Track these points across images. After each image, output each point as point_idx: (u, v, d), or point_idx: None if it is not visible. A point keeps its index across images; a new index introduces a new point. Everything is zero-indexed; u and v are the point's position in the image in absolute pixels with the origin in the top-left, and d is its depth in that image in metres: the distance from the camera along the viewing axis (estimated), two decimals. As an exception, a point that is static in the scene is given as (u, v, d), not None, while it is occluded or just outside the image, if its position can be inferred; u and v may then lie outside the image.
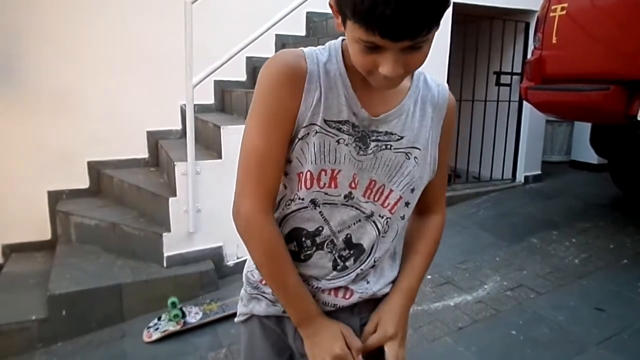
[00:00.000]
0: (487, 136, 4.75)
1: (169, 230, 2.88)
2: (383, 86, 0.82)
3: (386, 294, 1.01)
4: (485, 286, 2.76)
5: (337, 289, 0.96)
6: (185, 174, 2.85)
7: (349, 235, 0.93)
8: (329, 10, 0.81)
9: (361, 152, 0.88)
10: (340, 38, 0.89)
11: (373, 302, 1.00)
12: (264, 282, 0.99)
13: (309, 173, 0.87)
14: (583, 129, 5.00)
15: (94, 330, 2.59)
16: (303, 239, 0.93)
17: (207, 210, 2.93)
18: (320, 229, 0.92)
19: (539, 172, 4.93)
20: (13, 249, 3.32)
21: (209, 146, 3.24)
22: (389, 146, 0.90)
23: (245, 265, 1.06)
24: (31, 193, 3.37)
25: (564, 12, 3.16)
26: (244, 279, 1.06)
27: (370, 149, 0.89)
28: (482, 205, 4.21)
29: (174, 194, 2.89)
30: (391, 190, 0.91)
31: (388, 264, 1.01)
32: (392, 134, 0.90)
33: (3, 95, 3.21)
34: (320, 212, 0.91)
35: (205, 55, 2.86)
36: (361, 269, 0.95)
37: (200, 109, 3.67)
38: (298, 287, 0.91)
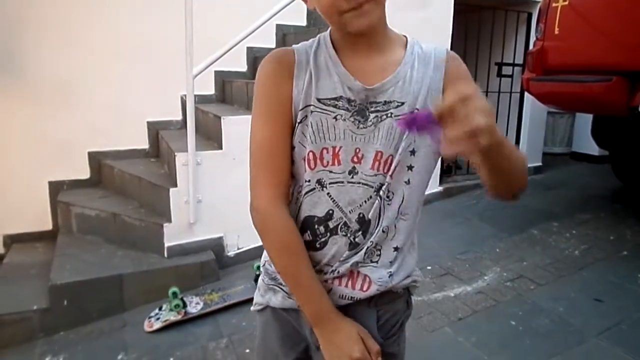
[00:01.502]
0: (488, 127, 4.74)
1: (169, 220, 2.88)
2: (356, 23, 0.82)
3: (405, 287, 1.00)
4: (485, 277, 2.77)
5: (353, 277, 0.94)
6: (185, 165, 2.85)
7: (361, 215, 0.91)
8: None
9: (361, 126, 0.89)
10: (329, 29, 0.94)
11: (390, 295, 0.98)
12: None
13: (311, 153, 0.89)
14: (584, 121, 4.99)
15: (95, 320, 2.60)
16: (316, 226, 0.93)
17: (207, 201, 2.93)
18: (331, 212, 0.91)
19: (540, 163, 4.93)
20: (14, 240, 3.32)
21: (210, 137, 3.23)
22: (389, 114, 0.89)
23: (263, 255, 1.05)
24: (32, 183, 3.37)
25: (567, 3, 3.14)
26: (261, 269, 1.05)
27: (370, 121, 0.89)
28: (482, 196, 4.21)
29: (175, 185, 2.89)
30: (395, 157, 0.90)
31: (409, 255, 0.99)
32: (390, 102, 0.89)
33: (4, 86, 3.20)
34: (327, 193, 0.91)
35: (205, 46, 2.85)
36: (371, 241, 0.92)
37: (200, 99, 3.66)
38: (312, 282, 0.90)
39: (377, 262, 0.94)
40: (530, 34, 4.45)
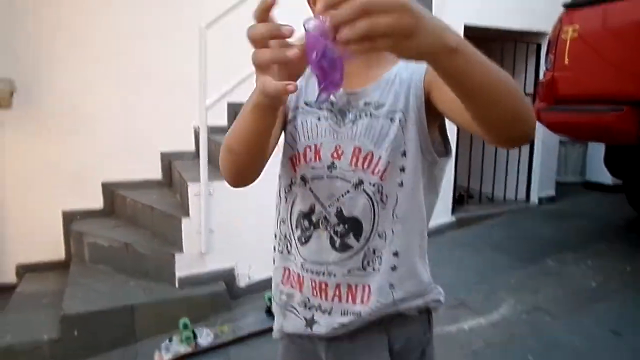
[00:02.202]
0: (499, 156, 4.73)
1: (181, 250, 2.88)
2: None
3: (418, 309, 0.97)
4: (500, 309, 2.72)
5: (352, 291, 0.93)
6: (198, 195, 2.87)
7: (339, 209, 0.93)
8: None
9: (341, 124, 0.94)
10: None
11: (403, 320, 0.96)
12: (284, 281, 1.01)
13: (297, 152, 0.97)
14: (597, 149, 4.96)
15: (106, 350, 2.58)
16: (301, 220, 0.97)
17: (219, 231, 2.94)
18: (313, 206, 0.95)
19: (553, 193, 4.89)
20: (27, 269, 3.34)
21: (222, 167, 3.25)
22: (368, 113, 0.92)
23: (273, 279, 1.06)
24: (46, 213, 3.40)
25: (576, 34, 3.17)
26: (272, 294, 1.07)
27: (349, 119, 0.94)
28: (495, 226, 4.17)
29: (187, 215, 2.91)
30: (380, 157, 0.91)
31: (416, 268, 0.97)
32: (370, 103, 0.93)
33: (20, 116, 3.27)
34: (310, 188, 0.95)
35: (218, 77, 2.90)
36: (368, 247, 0.92)
37: (213, 130, 3.70)
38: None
39: (377, 269, 0.93)
40: (540, 64, 4.48)
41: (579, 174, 5.65)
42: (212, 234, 2.92)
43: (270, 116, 0.79)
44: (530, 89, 4.63)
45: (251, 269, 3.07)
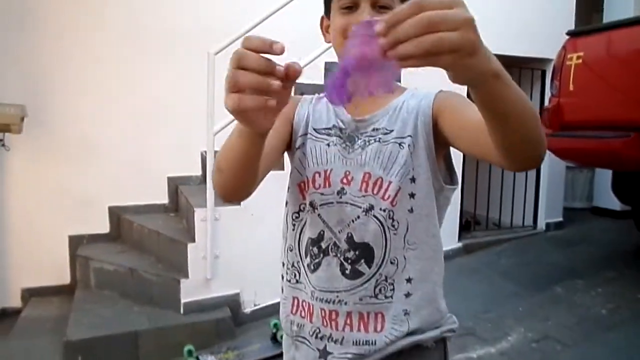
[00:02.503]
0: (506, 182, 4.71)
1: (186, 276, 2.87)
2: None
3: (435, 339, 0.95)
4: (509, 338, 2.68)
5: (364, 319, 0.92)
6: (204, 220, 2.87)
7: (350, 234, 0.92)
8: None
9: (350, 150, 0.95)
10: None
11: (421, 351, 0.94)
12: (293, 311, 1.00)
13: (305, 178, 0.97)
14: (604, 175, 4.94)
15: (109, 378, 2.56)
16: (310, 247, 0.96)
17: (225, 257, 2.93)
18: (322, 232, 0.94)
19: (561, 218, 4.86)
20: (32, 293, 3.33)
21: (228, 192, 3.26)
22: (377, 139, 0.93)
23: (281, 311, 1.05)
24: (52, 237, 3.40)
25: (580, 61, 3.19)
26: (282, 326, 1.05)
27: (358, 145, 0.95)
28: (503, 253, 4.13)
29: (193, 240, 2.90)
30: (390, 182, 0.91)
31: (431, 297, 0.96)
32: (379, 129, 0.94)
33: (29, 141, 3.30)
34: (319, 214, 0.94)
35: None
36: (380, 274, 0.91)
37: (220, 155, 3.72)
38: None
39: (391, 297, 0.92)
40: (545, 90, 4.50)
41: (587, 199, 5.61)
42: (218, 259, 2.91)
43: (257, 142, 0.75)
44: (536, 115, 4.64)
45: (256, 295, 3.04)
